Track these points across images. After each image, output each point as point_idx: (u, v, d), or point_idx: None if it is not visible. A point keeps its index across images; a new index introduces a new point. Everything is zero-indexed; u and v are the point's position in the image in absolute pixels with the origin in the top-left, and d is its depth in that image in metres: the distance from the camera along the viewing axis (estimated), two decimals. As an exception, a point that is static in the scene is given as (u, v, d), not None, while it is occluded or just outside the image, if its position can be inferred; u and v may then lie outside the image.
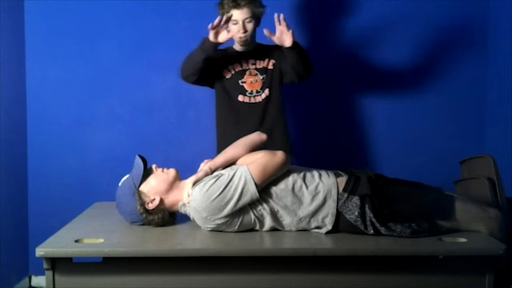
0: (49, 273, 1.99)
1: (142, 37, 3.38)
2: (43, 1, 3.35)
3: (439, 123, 3.44)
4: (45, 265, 1.99)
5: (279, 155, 2.22)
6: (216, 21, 2.64)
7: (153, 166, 2.33)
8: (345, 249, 2.04)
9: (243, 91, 2.86)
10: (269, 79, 2.87)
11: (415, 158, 3.45)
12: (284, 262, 2.03)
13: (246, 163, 2.23)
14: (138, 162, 2.30)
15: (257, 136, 2.40)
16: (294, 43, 2.69)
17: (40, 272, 3.31)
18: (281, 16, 2.65)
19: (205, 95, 3.34)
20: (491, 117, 3.42)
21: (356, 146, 3.44)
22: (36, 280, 3.44)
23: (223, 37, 2.69)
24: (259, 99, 2.86)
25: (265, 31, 2.66)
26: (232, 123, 2.86)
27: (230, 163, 2.32)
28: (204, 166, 2.30)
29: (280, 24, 2.65)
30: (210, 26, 2.64)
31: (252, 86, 2.86)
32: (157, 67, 3.39)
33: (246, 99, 2.86)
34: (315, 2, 3.38)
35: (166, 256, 2.01)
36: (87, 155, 3.41)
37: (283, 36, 2.68)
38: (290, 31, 2.66)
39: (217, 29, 2.65)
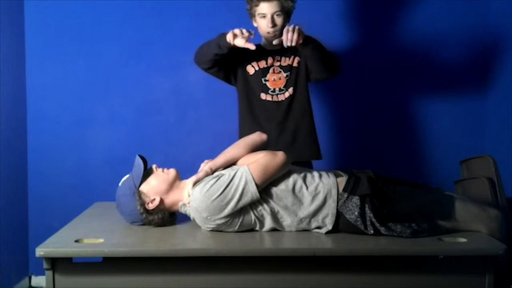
0: (49, 273, 1.99)
1: (142, 37, 3.38)
2: (43, 1, 3.35)
3: (439, 123, 3.44)
4: (45, 265, 1.99)
5: (280, 156, 2.22)
6: (246, 34, 2.53)
7: (153, 166, 2.33)
8: (345, 249, 2.04)
9: (266, 89, 2.76)
10: (294, 77, 2.76)
11: (415, 158, 3.46)
12: (284, 262, 2.03)
13: (247, 163, 2.23)
14: (138, 162, 2.30)
15: (257, 136, 2.40)
16: (306, 39, 2.57)
17: (40, 272, 3.31)
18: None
19: (205, 95, 3.35)
20: (491, 117, 3.42)
21: (356, 146, 3.44)
22: (36, 280, 3.44)
23: (240, 42, 2.54)
24: (282, 97, 2.76)
25: (275, 41, 2.58)
26: (255, 122, 2.76)
27: (231, 163, 2.32)
28: (205, 166, 2.30)
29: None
30: (236, 30, 2.53)
31: (275, 84, 2.76)
32: (157, 67, 3.39)
33: (269, 97, 2.76)
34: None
35: (166, 256, 2.01)
36: (87, 155, 3.41)
37: (289, 35, 2.51)
38: (295, 27, 2.51)
39: (241, 36, 2.53)
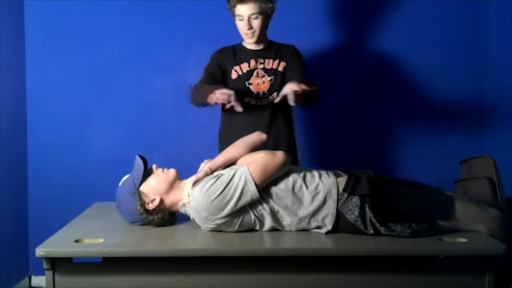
0: (49, 273, 1.99)
1: (142, 37, 3.38)
2: (43, 1, 3.35)
3: (439, 123, 3.44)
4: (45, 265, 1.99)
5: (279, 155, 2.21)
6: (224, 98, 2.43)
7: (153, 166, 2.33)
8: (345, 249, 2.04)
9: (249, 93, 2.73)
10: (279, 82, 2.72)
11: (415, 158, 3.45)
12: (284, 262, 2.03)
13: (246, 163, 2.23)
14: (138, 162, 2.30)
15: (257, 136, 2.40)
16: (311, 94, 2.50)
17: (40, 272, 3.31)
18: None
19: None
20: (491, 117, 3.42)
21: (356, 146, 3.44)
22: (36, 280, 3.44)
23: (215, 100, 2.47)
24: (266, 101, 2.74)
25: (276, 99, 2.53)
26: (236, 126, 2.72)
27: (230, 163, 2.32)
28: (204, 166, 2.30)
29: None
30: (217, 97, 2.43)
31: (259, 88, 2.73)
32: (157, 68, 3.39)
33: (253, 101, 2.74)
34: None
35: (166, 256, 2.01)
36: (87, 155, 3.41)
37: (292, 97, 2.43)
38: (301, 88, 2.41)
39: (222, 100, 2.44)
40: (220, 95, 2.44)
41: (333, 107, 3.42)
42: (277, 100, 2.56)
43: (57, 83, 3.39)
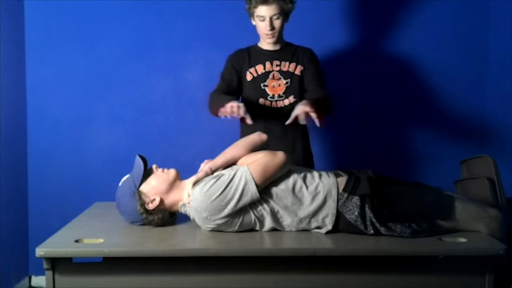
0: (49, 273, 1.99)
1: (142, 37, 3.38)
2: (43, 1, 3.35)
3: (439, 123, 3.44)
4: (45, 265, 1.99)
5: (280, 156, 2.21)
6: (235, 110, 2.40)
7: (153, 166, 2.33)
8: (345, 249, 2.04)
9: (265, 95, 2.73)
10: (296, 85, 2.73)
11: (415, 158, 3.45)
12: (284, 262, 2.03)
13: (247, 163, 2.23)
14: (138, 162, 2.30)
15: (257, 136, 2.40)
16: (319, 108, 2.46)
17: (40, 272, 3.31)
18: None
19: (205, 95, 3.34)
20: (491, 117, 3.42)
21: (356, 146, 3.44)
22: (36, 280, 3.44)
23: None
24: (281, 104, 2.73)
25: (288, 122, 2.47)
26: (254, 129, 2.64)
27: (231, 163, 2.32)
28: (205, 166, 2.30)
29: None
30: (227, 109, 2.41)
31: (274, 90, 2.72)
32: (157, 67, 3.39)
33: (268, 103, 2.74)
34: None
35: (166, 256, 2.01)
36: (87, 155, 3.41)
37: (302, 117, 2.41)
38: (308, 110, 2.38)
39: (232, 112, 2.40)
40: (230, 109, 2.43)
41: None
42: (288, 122, 2.48)
43: (57, 83, 3.39)
